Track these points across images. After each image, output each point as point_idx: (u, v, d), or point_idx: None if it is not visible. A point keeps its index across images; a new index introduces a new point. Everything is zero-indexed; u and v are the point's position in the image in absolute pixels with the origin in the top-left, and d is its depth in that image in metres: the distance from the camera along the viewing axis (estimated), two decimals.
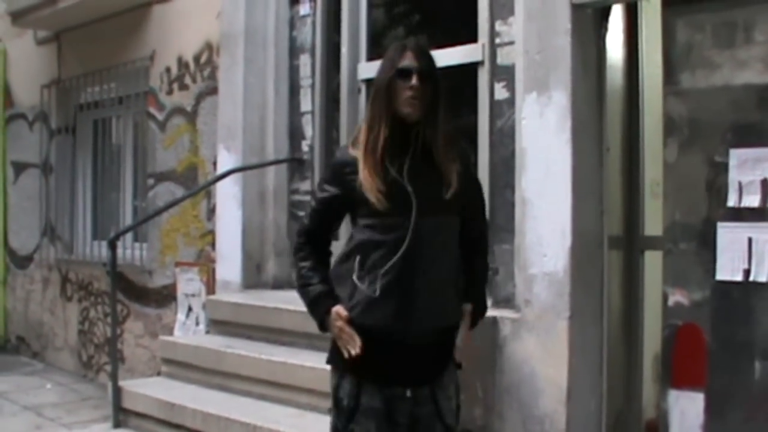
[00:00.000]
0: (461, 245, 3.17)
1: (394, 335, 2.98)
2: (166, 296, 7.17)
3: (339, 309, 3.02)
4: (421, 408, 3.01)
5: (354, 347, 2.95)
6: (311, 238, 3.22)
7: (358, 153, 3.02)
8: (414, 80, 2.93)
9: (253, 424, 4.65)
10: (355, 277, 3.00)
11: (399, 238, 2.94)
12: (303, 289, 3.16)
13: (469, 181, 3.13)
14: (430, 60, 3.02)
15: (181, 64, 7.12)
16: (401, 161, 2.98)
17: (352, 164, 3.03)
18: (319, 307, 3.10)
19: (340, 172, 3.10)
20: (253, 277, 6.23)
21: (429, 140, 3.00)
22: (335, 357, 3.12)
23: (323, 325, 3.10)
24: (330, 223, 3.23)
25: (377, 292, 2.94)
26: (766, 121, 3.88)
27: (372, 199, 2.93)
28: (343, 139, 5.91)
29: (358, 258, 3.00)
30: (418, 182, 2.96)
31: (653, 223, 4.41)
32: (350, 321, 3.01)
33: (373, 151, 2.97)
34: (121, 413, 5.60)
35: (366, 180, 2.95)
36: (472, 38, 5.03)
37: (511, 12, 4.74)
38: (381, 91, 3.00)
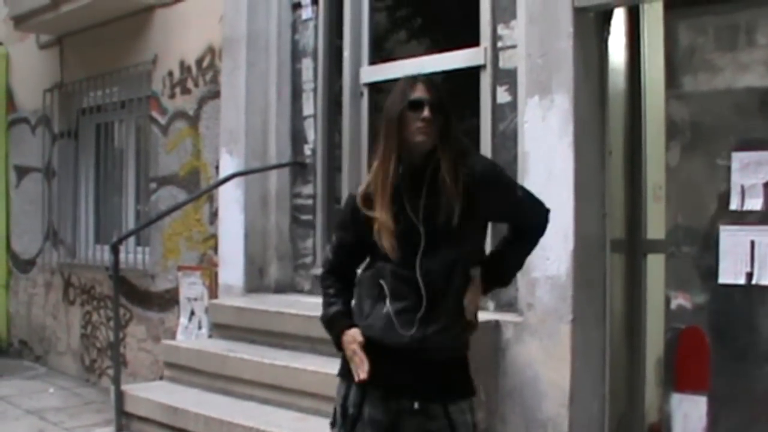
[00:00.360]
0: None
1: (404, 353, 2.98)
2: (168, 300, 7.17)
3: (355, 332, 3.02)
4: (432, 423, 2.99)
5: (363, 372, 2.96)
6: (335, 270, 3.22)
7: (373, 194, 3.01)
8: (426, 112, 2.93)
9: (256, 428, 4.65)
10: (370, 299, 3.02)
11: (412, 275, 2.94)
12: (324, 308, 3.19)
13: (482, 190, 3.05)
14: (441, 92, 3.03)
15: (184, 68, 7.13)
16: (416, 195, 2.97)
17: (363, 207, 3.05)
18: (335, 326, 3.12)
19: (351, 218, 3.12)
20: (256, 280, 6.23)
21: (443, 171, 2.98)
22: (345, 368, 3.11)
23: (338, 343, 3.11)
24: (351, 260, 3.21)
25: (393, 322, 2.95)
26: None
27: (386, 248, 2.94)
28: (346, 142, 5.92)
29: (380, 282, 3.01)
30: (430, 217, 2.95)
31: (656, 227, 4.41)
32: (363, 342, 3.03)
33: (384, 187, 2.96)
34: (123, 417, 5.59)
35: (381, 225, 2.96)
36: (474, 42, 5.04)
37: (513, 15, 4.74)
38: (392, 122, 2.97)
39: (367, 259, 3.14)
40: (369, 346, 3.01)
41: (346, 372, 3.10)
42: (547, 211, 3.21)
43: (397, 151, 2.95)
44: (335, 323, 3.13)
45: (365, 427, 2.99)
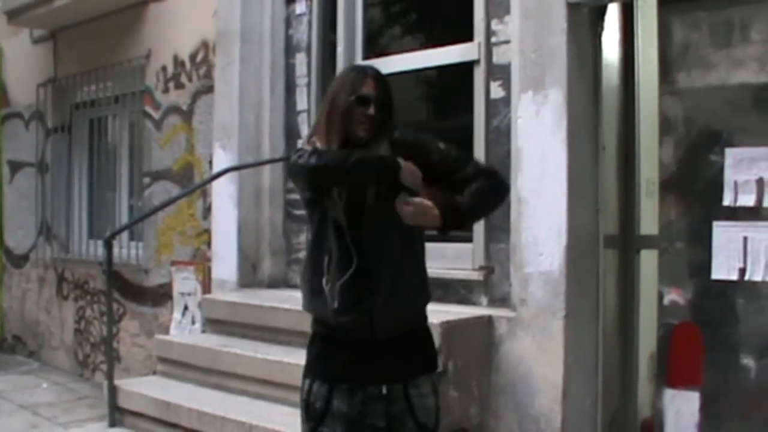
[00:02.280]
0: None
1: (357, 337, 2.98)
2: (162, 295, 7.16)
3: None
4: (393, 406, 2.99)
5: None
6: None
7: None
8: (371, 109, 2.97)
9: (249, 423, 4.64)
10: (323, 283, 3.01)
11: (347, 252, 2.95)
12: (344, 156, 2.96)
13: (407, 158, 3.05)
14: (388, 89, 3.05)
15: (177, 62, 7.11)
16: None
17: None
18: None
19: None
20: (249, 275, 6.22)
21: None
22: (310, 365, 3.11)
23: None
24: None
25: (336, 304, 2.95)
26: (762, 120, 3.89)
27: (328, 207, 2.97)
28: None
29: (324, 262, 3.01)
30: (354, 194, 2.97)
31: (649, 222, 4.42)
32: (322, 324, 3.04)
33: None
34: (116, 412, 5.58)
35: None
36: (468, 37, 5.03)
37: (507, 11, 4.74)
38: (338, 111, 3.00)
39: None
40: (329, 338, 3.02)
41: (308, 369, 3.09)
42: (496, 172, 3.16)
43: (339, 140, 2.98)
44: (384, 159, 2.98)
45: (335, 420, 2.98)
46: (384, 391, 2.97)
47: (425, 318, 3.15)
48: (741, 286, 3.89)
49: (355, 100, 2.98)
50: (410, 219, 2.86)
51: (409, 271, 3.03)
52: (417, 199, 2.86)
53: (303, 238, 6.14)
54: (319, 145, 3.03)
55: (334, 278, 2.96)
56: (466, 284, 4.89)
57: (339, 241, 2.96)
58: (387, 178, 2.91)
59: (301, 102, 6.20)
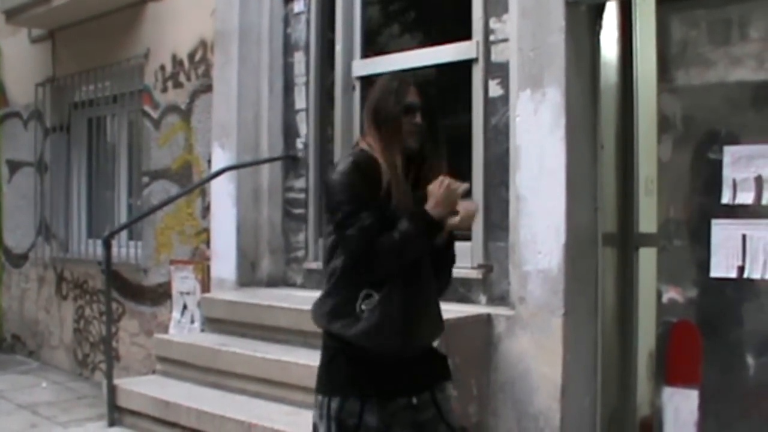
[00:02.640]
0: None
1: (388, 355, 2.99)
2: (161, 294, 7.16)
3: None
4: (422, 414, 3.02)
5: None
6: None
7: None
8: (418, 118, 3.00)
9: (248, 422, 4.65)
10: (358, 306, 2.99)
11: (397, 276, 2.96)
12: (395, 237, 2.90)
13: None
14: (427, 97, 3.08)
15: (176, 62, 7.11)
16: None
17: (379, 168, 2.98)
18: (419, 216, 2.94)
19: (373, 175, 2.96)
20: (248, 274, 6.22)
21: (426, 170, 3.03)
22: (337, 382, 3.08)
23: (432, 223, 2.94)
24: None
25: (378, 319, 2.94)
26: (761, 118, 3.88)
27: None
28: (338, 136, 5.91)
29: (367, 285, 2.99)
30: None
31: (647, 220, 4.41)
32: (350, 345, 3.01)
33: (401, 179, 2.96)
34: (116, 411, 5.59)
35: (400, 199, 2.94)
36: (467, 35, 5.03)
37: (505, 9, 4.74)
38: (389, 122, 2.99)
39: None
40: (357, 356, 2.99)
41: (335, 386, 3.04)
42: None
43: (400, 153, 2.96)
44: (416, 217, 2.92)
45: None
46: (414, 401, 3.01)
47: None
48: (740, 283, 3.88)
49: (402, 109, 2.99)
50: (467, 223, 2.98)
51: (435, 292, 3.12)
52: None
53: (302, 237, 6.14)
54: (380, 159, 2.96)
55: (381, 301, 2.94)
56: (464, 283, 4.89)
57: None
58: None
59: (300, 101, 6.19)
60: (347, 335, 2.97)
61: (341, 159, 3.22)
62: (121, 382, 5.77)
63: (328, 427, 3.03)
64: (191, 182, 6.76)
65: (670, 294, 4.16)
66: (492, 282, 4.78)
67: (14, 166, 9.59)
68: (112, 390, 5.61)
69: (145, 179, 7.45)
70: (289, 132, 6.26)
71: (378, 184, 2.91)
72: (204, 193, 6.63)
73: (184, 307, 6.69)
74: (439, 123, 3.08)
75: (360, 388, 3.00)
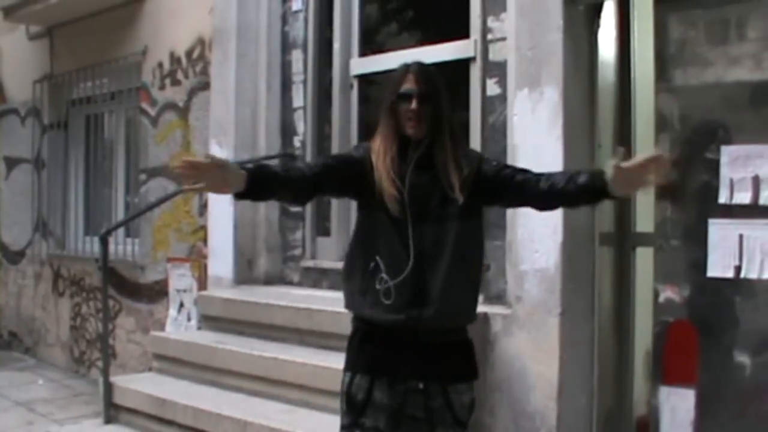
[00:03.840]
0: (542, 195, 3.08)
1: (400, 335, 3.04)
2: (157, 292, 7.16)
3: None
4: (432, 401, 3.07)
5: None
6: (298, 163, 3.23)
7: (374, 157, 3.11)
8: (413, 104, 3.02)
9: (245, 420, 4.64)
10: (375, 283, 3.04)
11: (405, 247, 3.01)
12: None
13: (483, 176, 3.11)
14: (432, 82, 3.07)
15: (174, 59, 7.11)
16: (403, 173, 3.06)
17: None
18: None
19: (368, 156, 3.11)
20: (245, 272, 6.22)
21: (435, 157, 3.08)
22: (351, 359, 3.17)
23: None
24: (324, 176, 3.07)
25: (391, 298, 3.01)
26: (758, 118, 3.88)
27: (387, 202, 3.01)
28: (336, 134, 5.91)
29: (374, 258, 3.05)
30: (416, 192, 3.03)
31: (644, 220, 4.41)
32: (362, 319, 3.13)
33: (384, 162, 3.06)
34: (112, 409, 5.58)
35: (382, 182, 3.03)
36: (464, 34, 5.03)
37: (503, 8, 4.73)
38: (386, 112, 3.11)
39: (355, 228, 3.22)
40: (371, 334, 3.10)
41: (348, 363, 3.17)
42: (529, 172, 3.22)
43: (395, 138, 3.08)
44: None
45: (376, 411, 3.06)
46: (421, 386, 3.05)
47: (467, 332, 3.25)
48: (736, 283, 3.88)
49: (397, 97, 3.06)
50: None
51: (461, 284, 3.08)
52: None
53: (299, 235, 6.14)
54: (378, 143, 3.10)
55: (388, 278, 3.01)
56: None
57: (395, 240, 3.02)
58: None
59: (297, 99, 6.19)
60: (355, 310, 3.15)
61: None
62: (118, 379, 5.77)
63: (341, 401, 3.14)
64: None
65: (667, 293, 4.16)
66: (489, 281, 4.78)
67: (12, 163, 9.59)
68: (109, 387, 5.60)
69: (143, 176, 7.45)
70: (287, 130, 6.26)
71: (358, 164, 3.08)
72: (201, 191, 6.61)
73: (181, 304, 6.69)
74: (443, 109, 3.09)
75: (370, 366, 3.09)
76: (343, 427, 3.15)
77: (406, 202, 3.02)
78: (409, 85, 3.05)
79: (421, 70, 3.11)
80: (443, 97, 3.10)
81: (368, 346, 3.12)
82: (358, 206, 3.20)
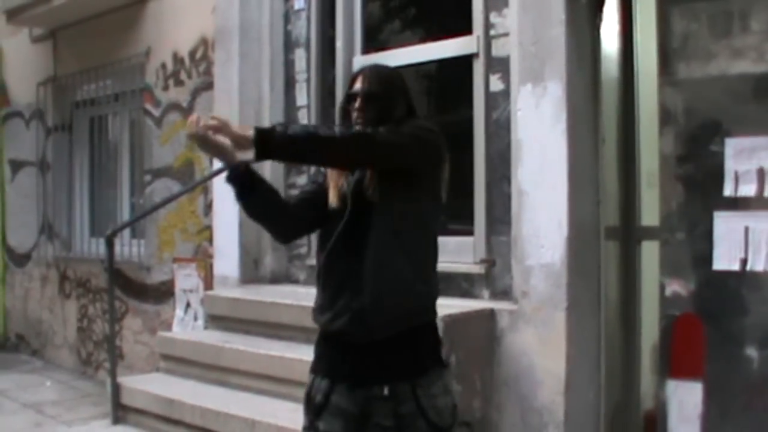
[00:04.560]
0: None
1: (356, 339, 2.94)
2: (164, 292, 7.17)
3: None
4: (402, 406, 2.94)
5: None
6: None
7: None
8: (357, 103, 3.02)
9: (252, 419, 4.65)
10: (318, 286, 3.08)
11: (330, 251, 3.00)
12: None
13: None
14: (381, 84, 3.05)
15: (177, 59, 7.11)
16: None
17: None
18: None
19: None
20: (251, 271, 6.22)
21: None
22: (314, 362, 3.12)
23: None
24: (301, 201, 3.12)
25: (326, 300, 3.01)
26: (762, 110, 3.88)
27: (330, 201, 3.00)
28: None
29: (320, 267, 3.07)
30: (358, 188, 2.97)
31: (650, 214, 4.41)
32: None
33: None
34: (120, 410, 5.59)
35: (329, 181, 3.05)
36: (467, 30, 5.02)
37: (506, 3, 4.74)
38: (339, 113, 3.16)
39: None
40: (329, 340, 3.03)
41: (312, 365, 3.10)
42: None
43: None
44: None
45: (333, 416, 2.96)
46: (386, 392, 2.92)
47: (427, 314, 3.08)
48: (742, 276, 3.88)
49: (346, 98, 3.07)
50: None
51: (397, 266, 2.93)
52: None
53: None
54: None
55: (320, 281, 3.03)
56: (467, 277, 4.89)
57: (330, 237, 2.98)
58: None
59: (301, 98, 6.19)
60: (314, 320, 3.10)
61: None
62: (125, 380, 5.78)
63: (303, 402, 3.08)
64: (193, 180, 6.77)
65: (673, 287, 4.16)
66: (495, 277, 4.78)
67: (17, 166, 9.60)
68: (116, 388, 5.61)
69: (147, 177, 7.46)
70: None
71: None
72: (206, 191, 6.63)
73: (188, 304, 6.70)
74: (387, 106, 3.00)
75: (330, 369, 3.01)
76: (303, 428, 3.09)
77: (348, 197, 2.96)
78: (357, 86, 3.04)
79: (373, 71, 3.08)
80: (395, 99, 3.04)
81: (329, 352, 3.04)
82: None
